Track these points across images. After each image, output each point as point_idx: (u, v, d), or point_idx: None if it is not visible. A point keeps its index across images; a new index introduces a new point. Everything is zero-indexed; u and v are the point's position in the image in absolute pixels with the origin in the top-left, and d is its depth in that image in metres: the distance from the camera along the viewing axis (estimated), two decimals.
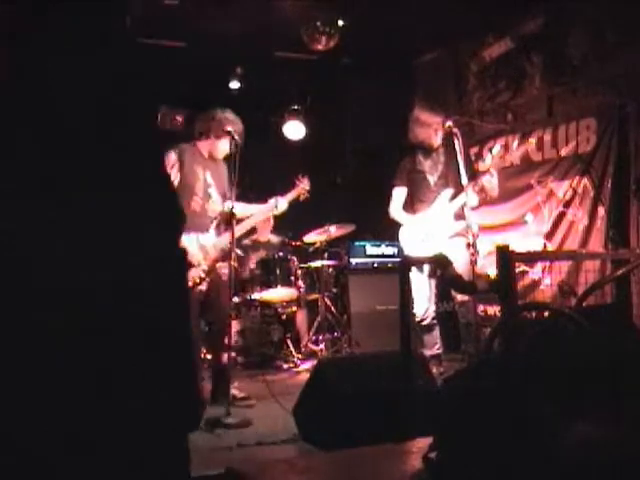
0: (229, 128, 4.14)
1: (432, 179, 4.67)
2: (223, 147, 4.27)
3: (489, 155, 5.72)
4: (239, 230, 4.22)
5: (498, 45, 5.76)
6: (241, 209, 4.23)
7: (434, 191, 4.65)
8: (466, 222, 4.06)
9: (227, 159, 4.32)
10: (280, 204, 4.40)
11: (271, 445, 3.27)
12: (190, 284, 4.04)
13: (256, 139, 4.76)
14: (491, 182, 4.41)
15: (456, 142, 4.17)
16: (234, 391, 4.13)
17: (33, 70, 1.07)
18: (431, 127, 4.56)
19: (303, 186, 4.55)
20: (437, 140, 4.62)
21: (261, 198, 4.58)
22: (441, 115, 4.55)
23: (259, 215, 4.46)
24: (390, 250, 5.98)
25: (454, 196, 4.53)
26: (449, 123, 4.30)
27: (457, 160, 4.16)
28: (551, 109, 5.45)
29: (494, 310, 5.49)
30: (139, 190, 1.12)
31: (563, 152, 5.24)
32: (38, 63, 1.08)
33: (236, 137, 4.06)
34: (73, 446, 1.01)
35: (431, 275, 4.62)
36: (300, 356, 5.82)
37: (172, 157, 4.11)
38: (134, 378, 1.08)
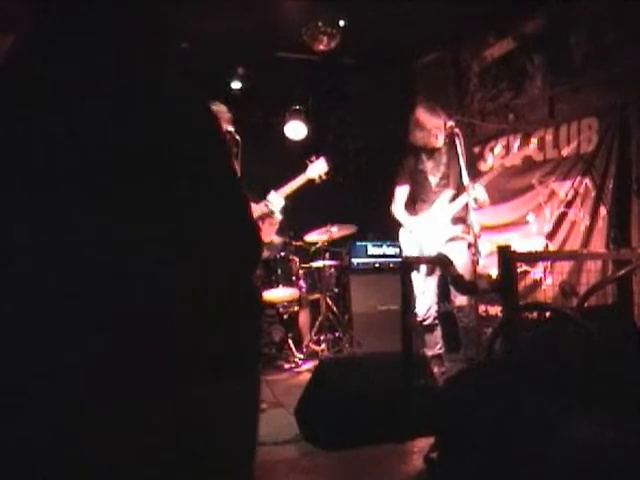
0: (230, 128, 4.13)
1: (434, 180, 4.67)
2: None
3: (490, 155, 5.72)
4: None
5: (499, 45, 5.76)
6: None
7: (435, 192, 4.64)
8: (467, 222, 4.07)
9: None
10: (274, 202, 4.10)
11: (273, 445, 3.26)
12: None
13: (257, 139, 4.75)
14: (477, 195, 4.41)
15: (458, 142, 4.17)
16: None
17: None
18: (431, 131, 4.54)
19: (316, 167, 4.24)
20: (438, 143, 4.61)
21: (261, 198, 4.57)
22: (442, 118, 4.52)
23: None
24: (391, 250, 5.98)
25: (454, 197, 4.54)
26: (451, 123, 4.30)
27: (459, 160, 4.16)
28: (552, 109, 5.44)
29: (495, 310, 5.48)
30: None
31: (565, 152, 5.23)
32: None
33: (237, 137, 4.04)
34: None
35: (431, 274, 4.61)
36: (302, 356, 5.82)
37: None
38: None
